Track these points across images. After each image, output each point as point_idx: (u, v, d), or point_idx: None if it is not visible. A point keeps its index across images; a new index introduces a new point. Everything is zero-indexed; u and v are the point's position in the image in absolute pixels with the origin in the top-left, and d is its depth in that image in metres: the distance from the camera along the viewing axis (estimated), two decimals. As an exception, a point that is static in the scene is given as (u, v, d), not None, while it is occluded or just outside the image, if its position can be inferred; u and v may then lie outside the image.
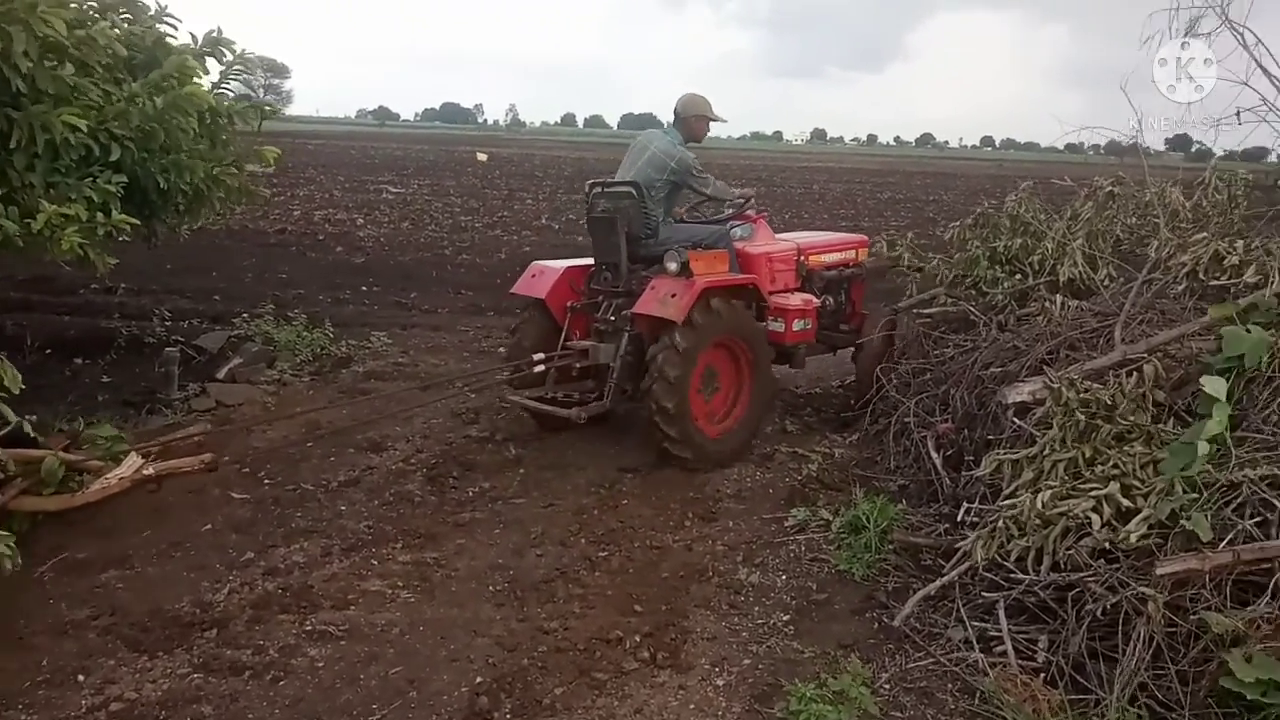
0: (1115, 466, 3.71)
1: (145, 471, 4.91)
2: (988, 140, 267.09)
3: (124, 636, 3.70)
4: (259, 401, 6.78)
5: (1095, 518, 3.60)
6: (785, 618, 4.01)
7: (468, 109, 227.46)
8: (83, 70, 4.98)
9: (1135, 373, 4.11)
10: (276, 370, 7.65)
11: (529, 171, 44.09)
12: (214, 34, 6.54)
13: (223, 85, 6.88)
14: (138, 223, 5.59)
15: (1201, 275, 4.77)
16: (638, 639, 3.77)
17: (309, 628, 3.81)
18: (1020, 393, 4.22)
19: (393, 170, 38.87)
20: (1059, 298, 5.47)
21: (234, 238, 16.00)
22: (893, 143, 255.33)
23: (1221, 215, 6.27)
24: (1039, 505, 3.64)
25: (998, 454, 4.12)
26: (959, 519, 4.22)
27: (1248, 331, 4.03)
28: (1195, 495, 3.45)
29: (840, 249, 7.33)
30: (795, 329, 6.40)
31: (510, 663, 3.61)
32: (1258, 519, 3.40)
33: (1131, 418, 3.84)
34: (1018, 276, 6.37)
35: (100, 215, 5.47)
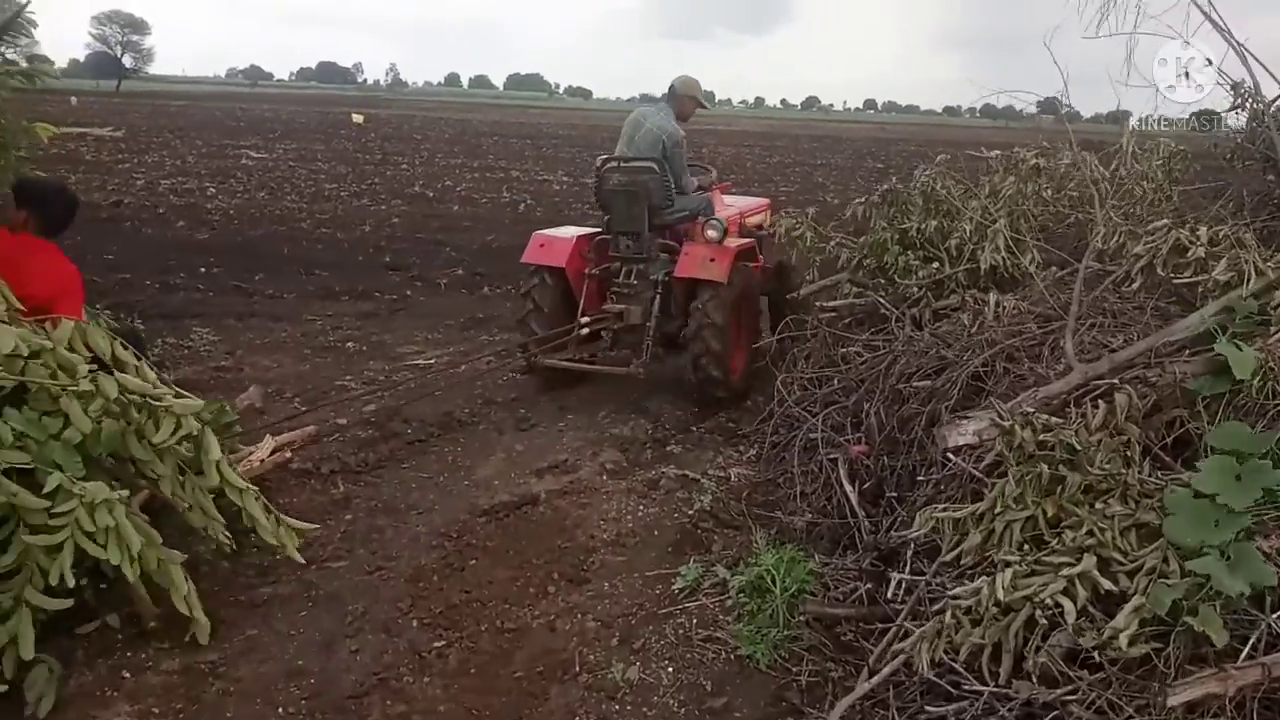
0: (1090, 533, 2.87)
1: (285, 454, 4.79)
2: (870, 103, 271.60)
3: None
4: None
5: (1068, 603, 2.76)
6: (672, 737, 3.08)
7: (346, 68, 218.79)
8: None
9: (1102, 401, 3.28)
10: (66, 381, 6.33)
11: (407, 134, 42.09)
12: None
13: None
14: None
15: (1160, 270, 3.99)
16: (472, 792, 2.78)
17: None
18: (963, 433, 3.34)
19: (258, 134, 36.49)
20: (993, 296, 4.63)
21: (58, 212, 14.20)
22: (779, 105, 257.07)
23: (1156, 191, 5.57)
24: (999, 592, 2.78)
25: (935, 510, 3.24)
26: (888, 596, 3.33)
27: (1239, 348, 3.24)
28: (1199, 580, 2.62)
29: (758, 212, 7.84)
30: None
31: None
32: (1281, 611, 2.60)
33: (1106, 465, 3.01)
34: (934, 265, 5.54)
35: None
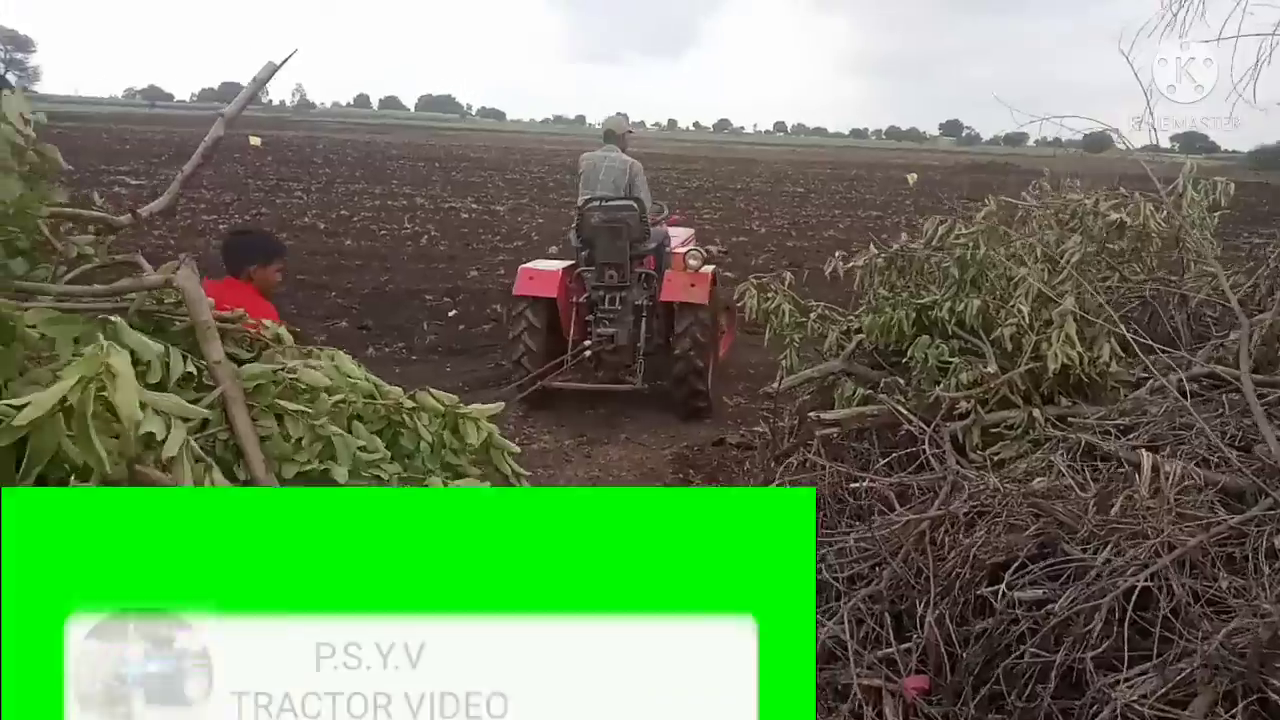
0: None
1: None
2: (780, 125, 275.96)
3: None
4: None
5: None
6: None
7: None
8: None
9: None
10: None
11: (308, 158, 39.64)
12: None
13: None
14: None
15: None
16: None
17: None
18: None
19: (143, 157, 33.73)
20: (1146, 457, 2.98)
21: None
22: (692, 128, 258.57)
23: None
24: None
25: None
26: None
27: None
28: None
29: (689, 242, 8.62)
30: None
31: None
32: None
33: None
34: (990, 368, 3.89)
35: None
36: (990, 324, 4.04)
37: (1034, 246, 4.10)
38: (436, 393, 2.76)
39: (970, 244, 4.06)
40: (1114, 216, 4.00)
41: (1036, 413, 3.61)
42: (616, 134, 7.57)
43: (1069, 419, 3.62)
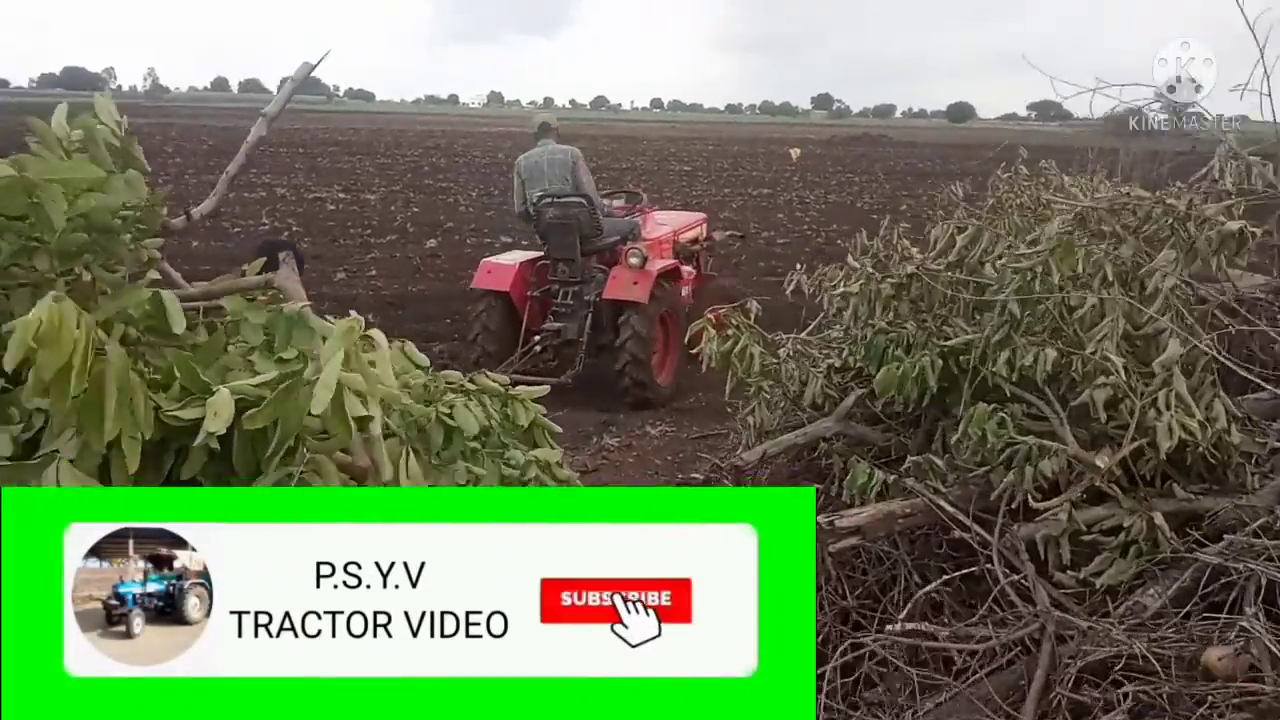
0: None
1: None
2: (657, 102, 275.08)
3: None
4: None
5: None
6: None
7: (95, 74, 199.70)
8: None
9: None
10: None
11: (158, 147, 36.29)
12: None
13: None
14: None
15: None
16: None
17: None
18: None
19: (-33, 149, 30.32)
20: None
21: None
22: (569, 105, 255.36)
23: None
24: None
25: None
26: None
27: None
28: None
29: (694, 227, 8.88)
30: (682, 295, 7.94)
31: None
32: None
33: None
34: (1100, 461, 2.71)
35: None
36: (1065, 385, 2.88)
37: (1101, 265, 2.96)
38: (492, 374, 2.81)
39: (1038, 269, 2.87)
40: (1232, 226, 2.84)
41: (1158, 518, 2.48)
42: (551, 126, 7.73)
43: (1197, 522, 2.51)
